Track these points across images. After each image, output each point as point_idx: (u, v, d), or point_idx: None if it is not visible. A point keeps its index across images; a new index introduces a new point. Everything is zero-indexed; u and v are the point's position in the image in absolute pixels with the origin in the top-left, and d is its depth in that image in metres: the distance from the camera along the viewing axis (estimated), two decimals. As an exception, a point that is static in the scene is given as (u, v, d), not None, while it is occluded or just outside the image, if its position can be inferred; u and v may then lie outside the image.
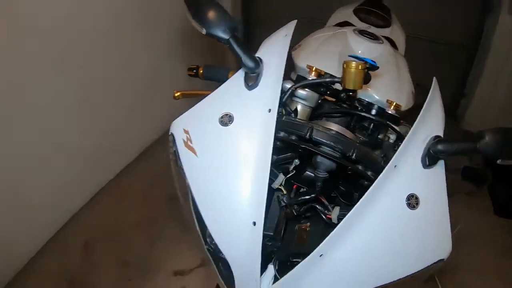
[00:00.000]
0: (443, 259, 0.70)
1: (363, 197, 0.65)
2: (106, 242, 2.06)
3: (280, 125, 0.75)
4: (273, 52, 0.81)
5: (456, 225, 0.72)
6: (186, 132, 0.77)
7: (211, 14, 0.74)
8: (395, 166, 0.69)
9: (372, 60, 0.79)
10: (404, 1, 2.49)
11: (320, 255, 0.63)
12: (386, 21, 1.86)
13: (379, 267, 0.68)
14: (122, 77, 2.30)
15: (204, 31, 0.74)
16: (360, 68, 0.73)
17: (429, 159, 0.72)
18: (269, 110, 0.72)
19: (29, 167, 1.86)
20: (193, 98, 0.91)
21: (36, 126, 1.84)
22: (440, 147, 0.71)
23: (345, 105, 0.93)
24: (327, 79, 0.84)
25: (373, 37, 1.30)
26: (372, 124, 0.90)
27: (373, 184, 0.66)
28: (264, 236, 0.67)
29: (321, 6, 2.34)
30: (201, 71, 0.96)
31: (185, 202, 0.76)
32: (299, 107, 0.89)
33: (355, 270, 0.67)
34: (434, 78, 0.88)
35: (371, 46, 1.25)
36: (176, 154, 0.77)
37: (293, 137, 0.75)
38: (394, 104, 0.92)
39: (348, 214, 0.64)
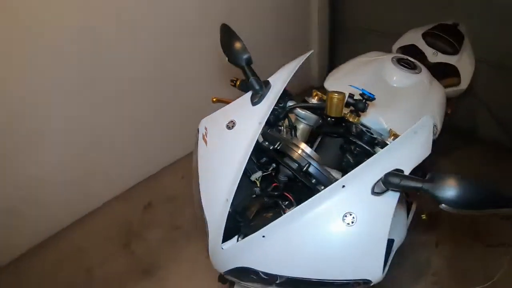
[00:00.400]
0: (370, 281, 0.82)
1: (307, 201, 0.83)
2: (165, 205, 2.45)
3: (266, 135, 0.99)
4: (279, 78, 1.03)
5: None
6: (206, 128, 1.06)
7: (233, 48, 1.02)
8: (343, 186, 0.83)
9: (369, 92, 0.97)
10: (484, 27, 2.35)
11: (263, 236, 0.85)
12: (454, 48, 1.87)
13: (305, 260, 0.84)
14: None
15: (227, 59, 1.02)
16: (339, 98, 0.92)
17: (378, 188, 0.80)
18: (259, 123, 0.95)
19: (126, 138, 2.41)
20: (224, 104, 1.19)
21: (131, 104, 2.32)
22: (389, 179, 0.77)
23: (341, 129, 1.10)
24: (314, 104, 1.04)
25: (411, 66, 1.43)
26: (357, 148, 1.06)
27: (317, 194, 0.82)
28: (235, 212, 0.93)
29: (399, 21, 2.38)
30: (238, 84, 1.22)
31: (194, 179, 1.05)
32: (300, 125, 1.10)
33: (286, 256, 0.86)
34: (426, 117, 0.93)
35: (404, 75, 1.40)
36: (196, 143, 1.06)
37: (269, 146, 0.98)
38: (393, 134, 1.03)
39: (290, 211, 0.84)
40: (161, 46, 2.29)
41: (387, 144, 0.97)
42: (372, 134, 1.04)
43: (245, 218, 0.96)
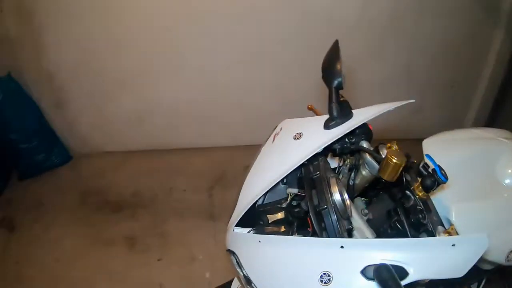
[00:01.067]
0: None
1: (305, 238, 0.87)
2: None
3: (313, 162, 1.00)
4: (363, 113, 0.99)
5: None
6: (280, 129, 1.13)
7: (330, 67, 1.02)
8: (341, 246, 0.79)
9: (444, 174, 0.88)
10: None
11: (259, 241, 0.91)
12: None
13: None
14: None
15: (321, 75, 1.03)
16: (396, 164, 0.85)
17: (368, 271, 0.75)
18: (318, 146, 0.96)
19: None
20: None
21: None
22: (380, 270, 0.71)
23: (397, 194, 1.04)
24: (377, 156, 0.96)
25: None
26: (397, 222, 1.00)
27: (315, 238, 0.84)
28: (260, 209, 1.03)
29: None
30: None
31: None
32: (363, 171, 1.04)
33: (268, 271, 0.90)
34: (483, 236, 0.75)
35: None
36: (269, 136, 1.15)
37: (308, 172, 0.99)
38: (449, 232, 0.91)
39: (291, 236, 0.90)
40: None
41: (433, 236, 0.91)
42: (425, 217, 0.94)
43: (264, 219, 1.02)
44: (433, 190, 0.92)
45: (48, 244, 2.40)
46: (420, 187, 0.93)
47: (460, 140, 1.25)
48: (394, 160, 0.85)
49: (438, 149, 1.13)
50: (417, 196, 0.96)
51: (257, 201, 1.02)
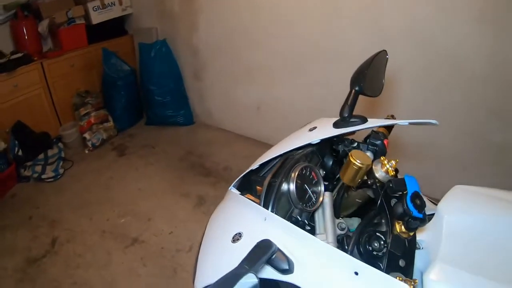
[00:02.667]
0: None
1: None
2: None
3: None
4: (378, 121, 0.93)
5: None
6: (309, 123, 1.15)
7: (361, 70, 0.99)
8: (265, 218, 0.79)
9: (418, 211, 0.72)
10: None
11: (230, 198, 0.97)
12: None
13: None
14: None
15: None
16: (357, 167, 0.77)
17: None
18: (315, 138, 0.96)
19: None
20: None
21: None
22: None
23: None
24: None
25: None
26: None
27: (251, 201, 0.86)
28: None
29: None
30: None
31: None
32: None
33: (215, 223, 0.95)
34: None
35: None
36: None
37: None
38: (405, 279, 0.69)
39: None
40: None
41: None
42: (381, 251, 0.77)
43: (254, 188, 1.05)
44: (412, 227, 0.75)
45: (139, 175, 2.84)
46: (403, 226, 0.78)
47: (497, 200, 1.01)
48: (358, 163, 0.77)
49: (463, 199, 0.95)
50: (394, 231, 0.80)
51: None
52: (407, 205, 0.72)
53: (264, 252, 0.66)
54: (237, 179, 1.05)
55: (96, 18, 3.17)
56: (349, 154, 0.78)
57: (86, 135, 3.15)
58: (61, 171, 2.87)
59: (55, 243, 2.27)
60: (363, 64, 1.00)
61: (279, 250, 0.68)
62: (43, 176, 2.79)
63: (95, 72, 3.29)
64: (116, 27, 3.44)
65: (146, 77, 3.20)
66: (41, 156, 2.91)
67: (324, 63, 2.59)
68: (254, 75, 2.98)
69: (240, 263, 0.63)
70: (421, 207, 0.72)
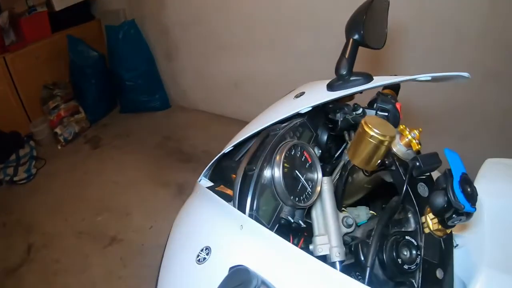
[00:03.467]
0: None
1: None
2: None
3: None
4: (385, 79, 0.67)
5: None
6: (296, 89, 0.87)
7: (354, 17, 0.71)
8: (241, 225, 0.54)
9: (471, 204, 0.47)
10: None
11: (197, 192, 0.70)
12: None
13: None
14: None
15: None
16: (381, 138, 0.50)
17: None
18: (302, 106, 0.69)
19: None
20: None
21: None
22: None
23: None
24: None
25: None
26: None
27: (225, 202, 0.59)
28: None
29: None
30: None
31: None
32: None
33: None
34: None
35: None
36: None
37: None
38: None
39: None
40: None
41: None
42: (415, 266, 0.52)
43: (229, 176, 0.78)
44: (452, 224, 0.53)
45: (115, 168, 2.55)
46: (433, 216, 0.55)
47: None
48: (370, 132, 0.51)
49: (505, 177, 0.72)
50: (424, 228, 0.57)
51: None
52: (454, 195, 0.45)
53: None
54: (207, 167, 0.77)
55: (59, 4, 2.81)
56: (362, 122, 0.52)
57: (58, 130, 2.84)
58: (33, 171, 2.59)
59: (30, 250, 2.03)
60: (360, 8, 0.72)
61: (264, 283, 0.41)
62: (15, 179, 2.52)
63: (62, 62, 2.95)
64: (82, 12, 3.10)
65: (116, 62, 2.87)
66: (13, 157, 2.61)
67: (302, 31, 2.33)
68: (229, 51, 2.69)
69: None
70: (473, 197, 0.46)
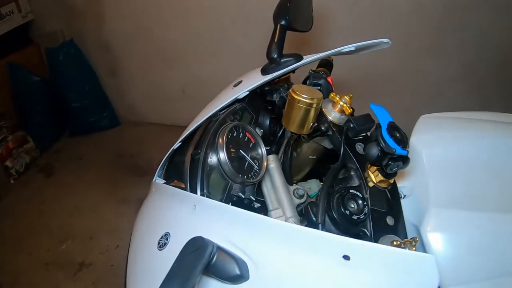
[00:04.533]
0: None
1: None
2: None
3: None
4: (314, 56, 0.71)
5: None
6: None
7: (280, 3, 0.76)
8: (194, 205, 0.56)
9: (402, 147, 0.52)
10: None
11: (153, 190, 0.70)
12: None
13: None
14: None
15: None
16: (306, 104, 0.54)
17: None
18: (242, 91, 0.72)
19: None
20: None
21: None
22: None
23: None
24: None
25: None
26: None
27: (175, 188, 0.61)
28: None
29: None
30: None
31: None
32: None
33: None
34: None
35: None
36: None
37: None
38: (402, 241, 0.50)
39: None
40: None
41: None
42: (363, 209, 0.55)
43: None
44: (392, 172, 0.56)
45: (72, 193, 2.45)
46: (379, 172, 0.59)
47: (475, 122, 0.78)
48: (298, 97, 0.55)
49: (438, 128, 0.76)
50: (368, 183, 0.60)
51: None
52: (384, 141, 0.50)
53: (195, 259, 0.41)
54: (160, 166, 0.78)
55: (-4, 31, 2.64)
56: (290, 90, 0.55)
57: (8, 163, 2.67)
58: (-12, 209, 2.40)
59: None
60: None
61: (219, 248, 0.43)
62: (-30, 220, 2.33)
63: (4, 92, 2.77)
64: (20, 37, 2.92)
65: (59, 85, 2.76)
66: (-35, 198, 2.43)
67: (242, 31, 2.38)
68: (172, 58, 2.67)
69: (160, 287, 0.38)
70: (403, 140, 0.51)
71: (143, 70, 2.82)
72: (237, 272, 0.43)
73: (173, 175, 0.80)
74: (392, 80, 2.24)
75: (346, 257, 0.42)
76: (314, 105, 0.54)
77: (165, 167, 0.81)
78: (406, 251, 0.41)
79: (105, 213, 2.25)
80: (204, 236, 0.44)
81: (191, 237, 0.46)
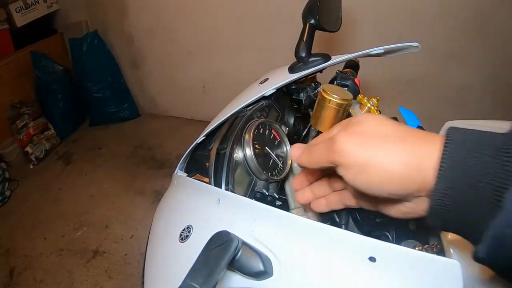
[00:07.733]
0: None
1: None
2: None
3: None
4: (343, 56, 0.71)
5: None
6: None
7: (310, 3, 0.75)
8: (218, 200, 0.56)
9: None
10: None
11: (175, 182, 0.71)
12: None
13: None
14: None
15: None
16: (340, 102, 0.53)
17: None
18: (268, 89, 0.72)
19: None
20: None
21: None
22: None
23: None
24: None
25: None
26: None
27: (200, 182, 0.60)
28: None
29: None
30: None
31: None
32: None
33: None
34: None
35: None
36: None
37: None
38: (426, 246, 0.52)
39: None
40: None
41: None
42: None
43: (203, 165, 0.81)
44: None
45: (90, 181, 2.50)
46: None
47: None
48: (329, 97, 0.54)
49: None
50: None
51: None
52: None
53: (221, 253, 0.41)
54: (182, 158, 0.79)
55: (20, 20, 2.73)
56: (321, 90, 0.55)
57: (28, 149, 2.75)
58: (7, 193, 2.51)
59: (13, 274, 1.96)
60: None
61: (244, 244, 0.43)
62: (-12, 203, 2.43)
63: (27, 79, 2.86)
64: (44, 27, 3.02)
65: (82, 75, 2.82)
66: (-15, 181, 2.52)
67: (266, 29, 2.36)
68: (194, 54, 2.69)
69: (184, 279, 0.38)
70: None
71: (164, 64, 2.86)
72: (261, 268, 0.44)
73: (195, 169, 0.81)
74: (415, 84, 2.20)
75: (372, 259, 0.42)
76: (344, 106, 0.54)
77: (187, 160, 0.81)
78: (434, 256, 0.41)
79: (121, 203, 2.29)
80: (229, 230, 0.45)
81: (215, 231, 0.46)
